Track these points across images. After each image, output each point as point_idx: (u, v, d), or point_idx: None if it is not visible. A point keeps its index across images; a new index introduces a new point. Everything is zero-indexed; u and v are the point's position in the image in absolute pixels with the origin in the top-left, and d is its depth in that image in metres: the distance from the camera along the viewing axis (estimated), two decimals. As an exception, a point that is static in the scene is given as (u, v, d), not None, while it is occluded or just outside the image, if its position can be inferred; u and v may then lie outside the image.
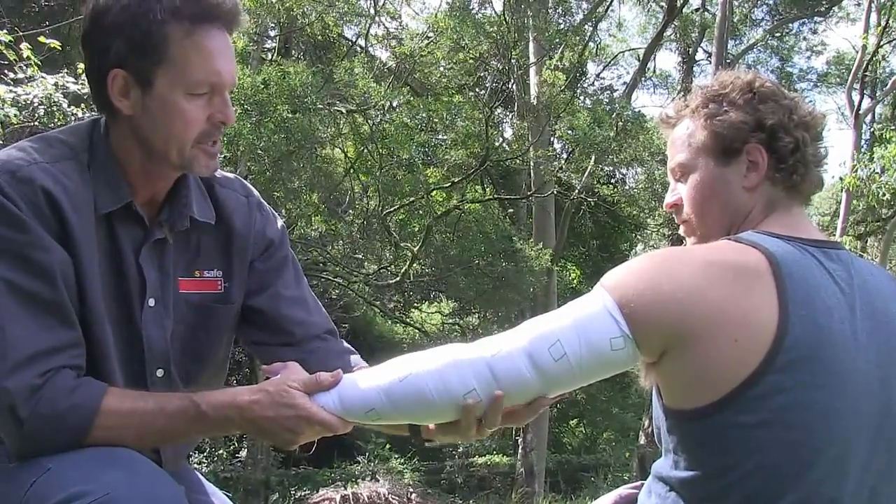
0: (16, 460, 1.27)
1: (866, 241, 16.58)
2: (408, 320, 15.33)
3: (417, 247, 12.55)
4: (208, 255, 1.52)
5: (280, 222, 1.65)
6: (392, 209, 12.95)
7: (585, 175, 14.23)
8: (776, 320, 1.15)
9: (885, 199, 10.07)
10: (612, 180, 18.30)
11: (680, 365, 1.18)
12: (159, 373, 1.45)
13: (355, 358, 1.59)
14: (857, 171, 10.05)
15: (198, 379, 1.53)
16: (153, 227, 1.43)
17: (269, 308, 1.57)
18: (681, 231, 1.46)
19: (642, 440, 15.63)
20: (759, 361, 1.14)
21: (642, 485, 1.40)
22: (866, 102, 15.21)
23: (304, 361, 1.47)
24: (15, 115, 4.82)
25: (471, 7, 14.83)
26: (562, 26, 15.97)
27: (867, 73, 13.39)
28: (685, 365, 1.18)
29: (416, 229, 13.37)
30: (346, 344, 1.64)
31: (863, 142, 14.88)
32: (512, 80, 14.26)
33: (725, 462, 1.17)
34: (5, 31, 5.18)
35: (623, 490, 1.53)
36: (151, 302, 1.42)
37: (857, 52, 14.10)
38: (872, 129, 13.73)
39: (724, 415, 1.15)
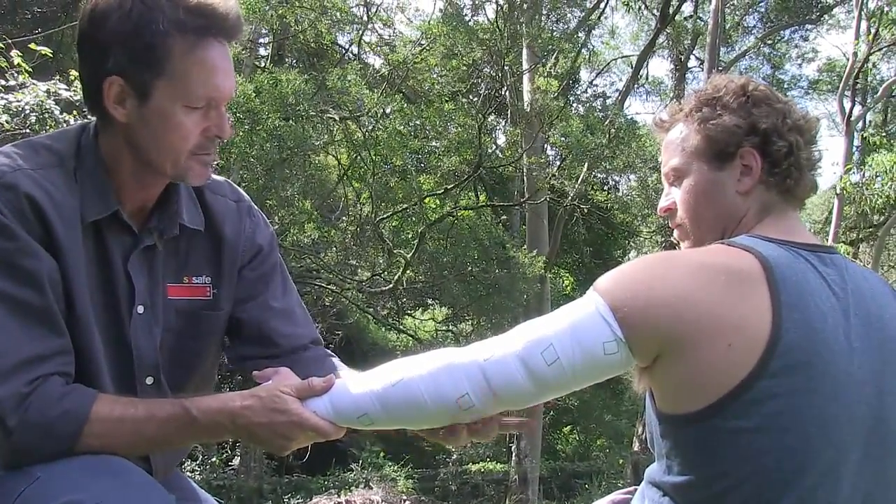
0: (4, 469, 1.25)
1: (858, 248, 16.64)
2: (401, 327, 15.30)
3: (411, 253, 12.54)
4: (197, 262, 1.50)
5: (270, 228, 1.64)
6: (385, 216, 12.94)
7: (578, 182, 14.25)
8: (770, 325, 1.14)
9: (877, 205, 10.11)
10: (606, 187, 18.35)
11: (673, 369, 1.18)
12: (149, 380, 1.44)
13: (336, 361, 1.58)
14: (849, 175, 10.10)
15: (186, 386, 1.52)
16: (143, 234, 1.42)
17: (257, 320, 1.56)
18: (675, 235, 1.45)
19: (636, 447, 15.64)
20: (753, 366, 1.13)
21: (635, 490, 1.40)
22: (857, 109, 15.29)
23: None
24: (7, 122, 4.80)
25: (464, 14, 14.86)
26: (555, 33, 16.01)
27: (858, 81, 13.46)
28: (678, 369, 1.17)
29: (410, 236, 13.36)
30: (328, 351, 1.63)
31: (854, 148, 14.95)
32: (505, 87, 14.29)
33: (719, 467, 1.17)
34: (-2, 39, 5.16)
35: (616, 496, 1.52)
36: (140, 309, 1.41)
37: (848, 59, 14.18)
38: (864, 136, 13.79)
39: (718, 419, 1.15)
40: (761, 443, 1.14)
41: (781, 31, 20.32)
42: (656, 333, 1.17)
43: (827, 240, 11.59)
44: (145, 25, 1.28)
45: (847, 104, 13.01)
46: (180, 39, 1.29)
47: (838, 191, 10.03)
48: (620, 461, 16.54)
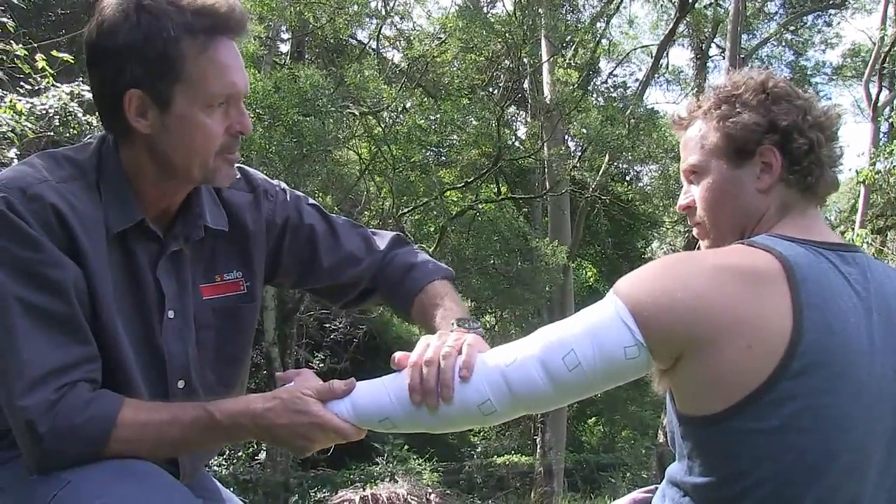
0: (37, 473, 1.28)
1: (886, 236, 16.40)
2: (424, 321, 15.31)
3: (433, 247, 12.56)
4: (226, 259, 1.53)
5: (293, 197, 1.65)
6: (407, 210, 12.96)
7: (600, 173, 14.18)
8: (790, 326, 1.13)
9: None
10: (627, 178, 18.24)
11: (693, 371, 1.17)
12: (180, 384, 1.46)
13: (424, 265, 1.68)
14: (875, 164, 9.95)
15: (235, 381, 1.56)
16: (168, 239, 1.44)
17: (325, 282, 1.67)
18: (694, 233, 1.45)
19: (661, 438, 15.56)
20: (773, 368, 1.13)
21: (656, 489, 1.40)
22: (884, 95, 15.06)
23: (388, 293, 1.66)
24: (31, 128, 4.86)
25: (481, 6, 14.81)
26: (572, 24, 15.90)
27: (885, 65, 13.25)
28: (698, 371, 1.17)
29: (432, 230, 13.38)
30: (409, 257, 1.70)
31: (881, 134, 14.73)
32: (524, 79, 14.23)
33: (739, 468, 1.16)
34: (21, 44, 5.23)
35: (637, 494, 1.52)
36: (171, 314, 1.43)
37: (875, 43, 13.97)
38: (891, 121, 13.59)
39: (738, 421, 1.14)
40: (782, 443, 1.13)
41: (804, 17, 20.04)
42: (677, 337, 1.17)
43: (854, 227, 11.44)
44: (156, 34, 1.29)
45: (874, 90, 12.82)
46: (191, 42, 1.30)
47: (861, 178, 9.86)
48: (643, 451, 16.47)
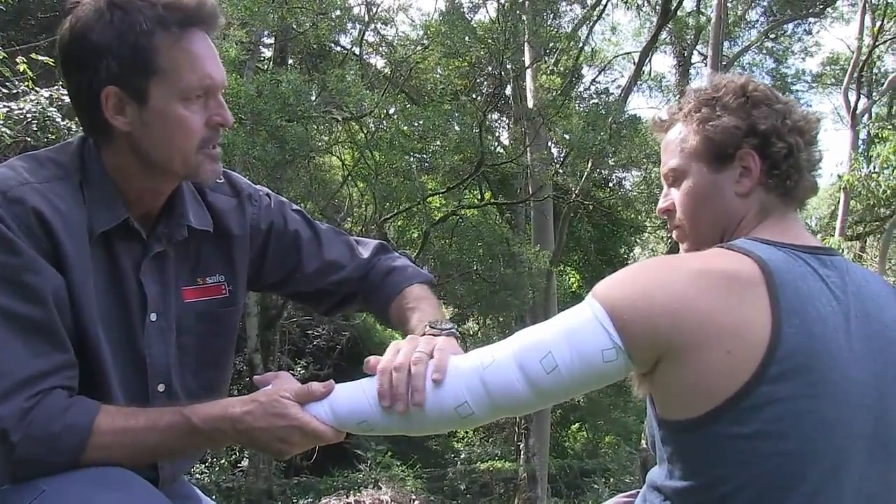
0: (11, 482, 1.25)
1: (865, 241, 16.57)
2: (407, 327, 15.28)
3: (416, 253, 12.53)
4: (209, 262, 1.52)
5: (277, 202, 1.65)
6: (390, 216, 12.93)
7: (582, 179, 14.23)
8: (769, 330, 1.13)
9: (884, 196, 10.09)
10: (610, 184, 18.32)
11: (673, 376, 1.17)
12: (160, 388, 1.44)
13: (399, 265, 1.69)
14: (855, 170, 10.07)
15: (217, 386, 1.54)
16: (152, 240, 1.42)
17: (310, 285, 1.66)
18: (673, 235, 1.45)
19: (644, 444, 15.60)
20: (752, 372, 1.12)
21: (638, 493, 1.39)
22: (863, 102, 15.25)
23: (368, 296, 1.67)
24: (8, 134, 4.81)
25: (463, 12, 14.82)
26: (554, 30, 15.96)
27: (863, 74, 13.43)
28: (678, 376, 1.16)
29: (415, 235, 13.35)
30: (390, 261, 1.70)
31: (860, 141, 14.91)
32: (506, 85, 14.25)
33: (719, 472, 1.16)
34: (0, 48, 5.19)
35: (619, 499, 1.52)
36: (153, 317, 1.42)
37: (853, 52, 14.15)
38: (869, 129, 13.76)
39: (718, 426, 1.14)
40: (761, 448, 1.13)
41: (784, 25, 20.26)
42: (656, 341, 1.16)
43: (834, 234, 11.55)
44: (128, 29, 1.29)
45: (852, 97, 12.99)
46: (164, 35, 1.31)
47: (843, 182, 9.98)
48: (626, 456, 16.50)
